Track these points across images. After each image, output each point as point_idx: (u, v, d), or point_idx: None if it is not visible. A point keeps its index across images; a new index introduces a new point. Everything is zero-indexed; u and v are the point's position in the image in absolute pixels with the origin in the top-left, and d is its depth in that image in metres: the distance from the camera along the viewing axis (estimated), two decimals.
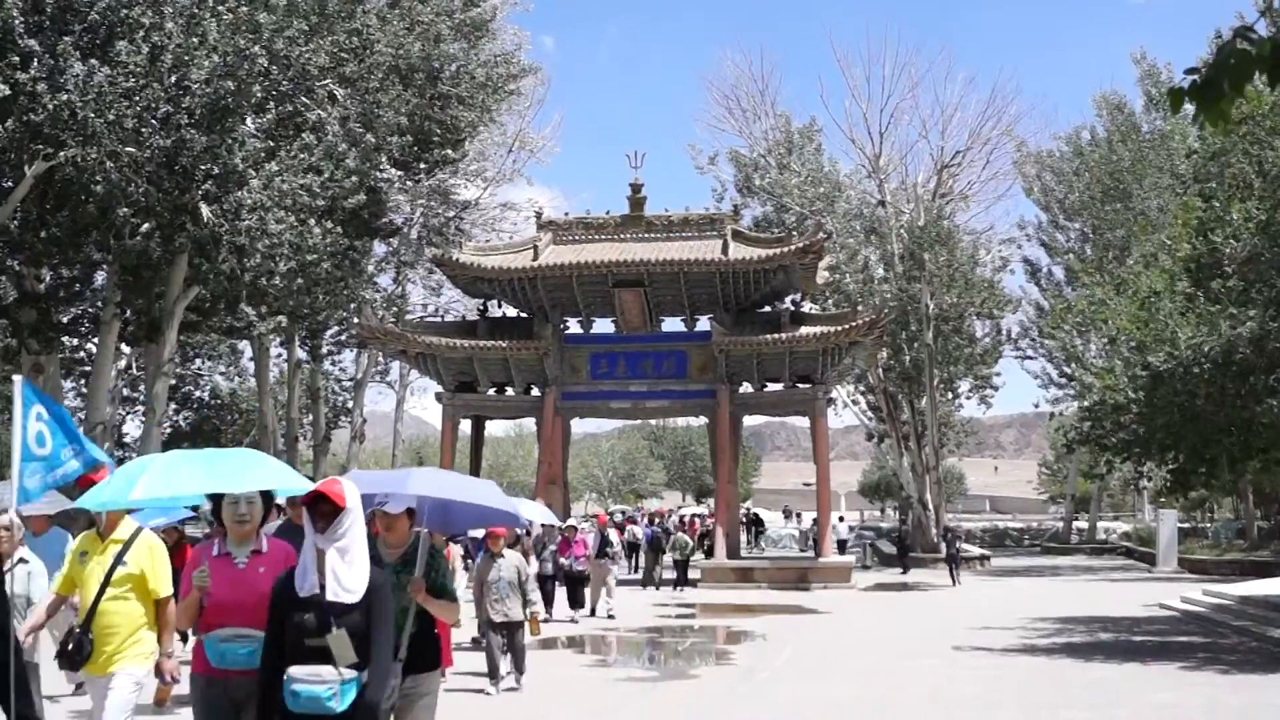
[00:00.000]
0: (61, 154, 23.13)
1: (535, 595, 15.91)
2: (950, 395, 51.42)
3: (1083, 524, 65.62)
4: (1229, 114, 4.26)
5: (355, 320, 39.08)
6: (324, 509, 5.84)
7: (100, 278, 31.76)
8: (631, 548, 39.21)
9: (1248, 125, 21.61)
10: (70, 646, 7.69)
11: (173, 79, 24.20)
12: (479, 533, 18.85)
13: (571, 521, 31.06)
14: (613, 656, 20.82)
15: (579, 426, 43.93)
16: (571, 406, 37.91)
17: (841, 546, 44.15)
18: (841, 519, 48.52)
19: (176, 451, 8.98)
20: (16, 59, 22.52)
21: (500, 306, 38.47)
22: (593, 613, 26.21)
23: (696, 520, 53.79)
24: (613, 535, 28.50)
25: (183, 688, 7.90)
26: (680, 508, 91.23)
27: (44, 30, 23.28)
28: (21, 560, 9.07)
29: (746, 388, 37.22)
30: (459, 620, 9.48)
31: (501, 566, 15.13)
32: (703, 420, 41.84)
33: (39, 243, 27.19)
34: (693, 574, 35.09)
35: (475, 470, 41.61)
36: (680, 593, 32.68)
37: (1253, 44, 4.04)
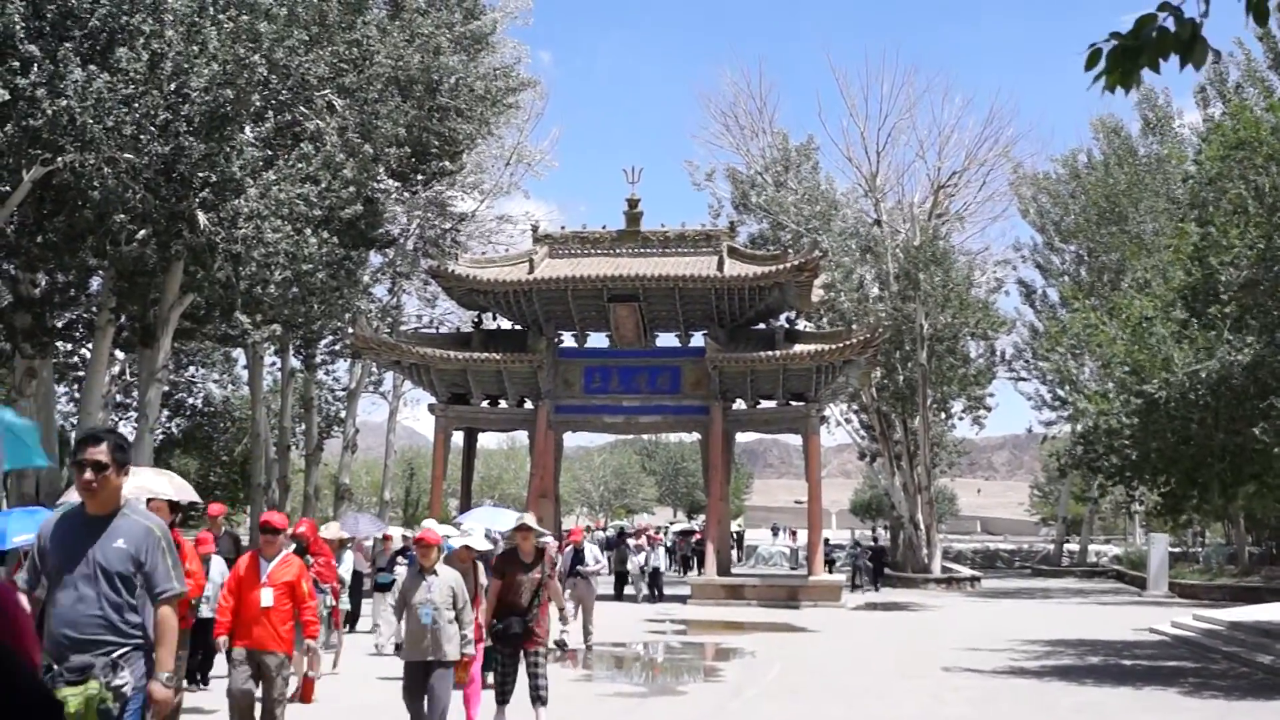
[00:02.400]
0: (59, 159, 23.15)
1: (470, 630, 11.65)
2: (943, 415, 51.36)
3: (1074, 546, 65.62)
4: (1130, 84, 4.32)
5: (350, 330, 39.07)
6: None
7: (96, 283, 31.75)
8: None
9: (1244, 151, 21.66)
10: None
11: (172, 86, 24.23)
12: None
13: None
14: (600, 672, 20.76)
15: (571, 440, 43.86)
16: (564, 420, 37.88)
17: (829, 565, 44.24)
18: (826, 541, 48.52)
19: None
20: (16, 64, 22.54)
21: (495, 319, 38.45)
22: (586, 640, 22.95)
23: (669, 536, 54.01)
24: (591, 551, 24.55)
25: None
26: (672, 523, 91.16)
27: (44, 36, 23.30)
28: None
29: (740, 404, 37.20)
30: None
31: (432, 586, 11.45)
32: (695, 436, 41.79)
33: (35, 247, 27.18)
34: (683, 590, 34.91)
35: (466, 483, 41.64)
36: (654, 607, 32.62)
37: (1175, 22, 4.10)
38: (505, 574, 12.71)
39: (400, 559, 21.52)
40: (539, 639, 12.84)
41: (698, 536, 49.90)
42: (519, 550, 12.91)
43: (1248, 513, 42.82)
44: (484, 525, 20.98)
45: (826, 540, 55.81)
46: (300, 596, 11.29)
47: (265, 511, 17.00)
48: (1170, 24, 4.10)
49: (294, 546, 15.78)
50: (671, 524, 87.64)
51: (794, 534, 52.14)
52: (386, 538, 24.81)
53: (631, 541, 39.71)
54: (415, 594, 11.43)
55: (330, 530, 19.47)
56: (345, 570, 20.67)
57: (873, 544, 50.11)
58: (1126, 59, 4.19)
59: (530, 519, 13.27)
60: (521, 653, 12.76)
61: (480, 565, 13.56)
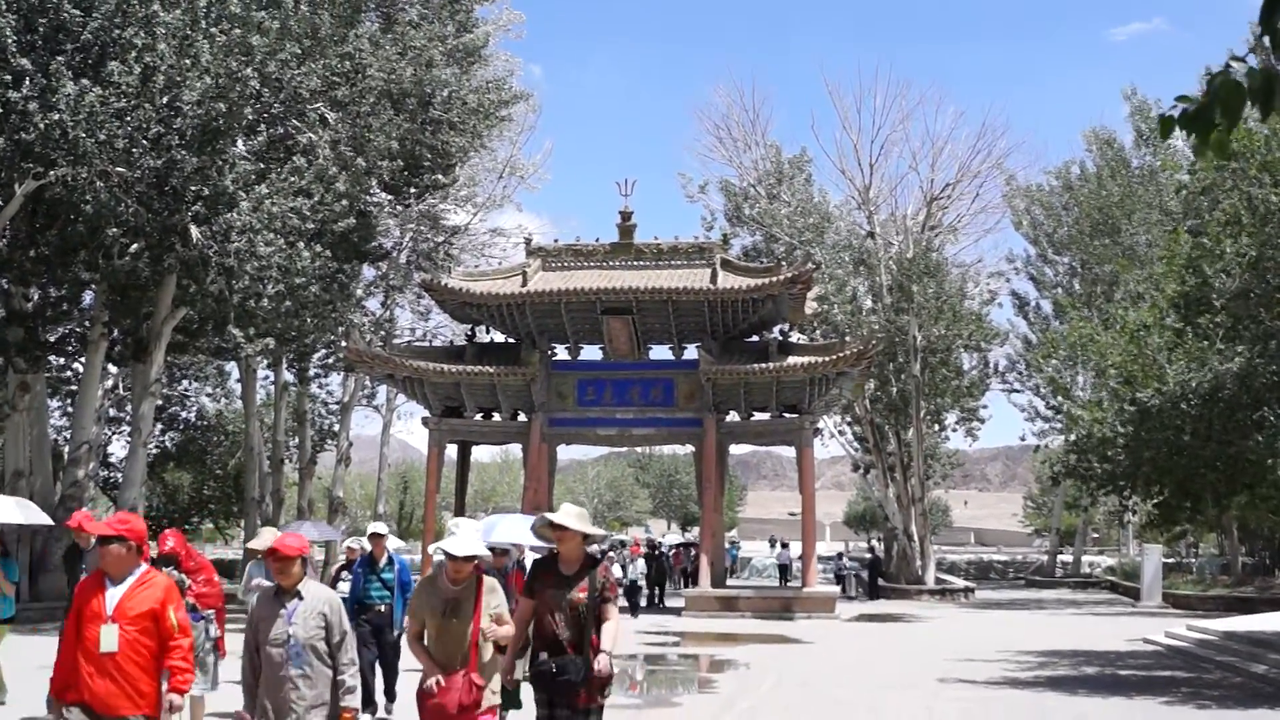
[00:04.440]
0: (52, 173, 23.16)
1: (353, 675, 8.05)
2: (937, 427, 51.41)
3: (1067, 557, 65.65)
4: (1228, 145, 4.27)
5: (343, 343, 39.08)
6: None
7: (88, 297, 31.75)
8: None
9: (1238, 161, 21.70)
10: None
11: (164, 100, 24.25)
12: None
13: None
14: None
15: (565, 453, 43.84)
16: (558, 433, 37.86)
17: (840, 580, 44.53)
18: (840, 555, 48.64)
19: None
20: (8, 78, 22.56)
21: (488, 332, 38.44)
22: None
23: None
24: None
25: None
26: (664, 535, 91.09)
27: (36, 49, 23.32)
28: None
29: (733, 417, 37.21)
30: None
31: (294, 614, 7.93)
32: (689, 448, 41.79)
33: (27, 261, 27.19)
34: (677, 602, 34.93)
35: (460, 496, 41.56)
36: (636, 619, 32.58)
37: (1245, 75, 4.06)
38: (537, 592, 8.58)
39: (345, 574, 17.66)
40: (596, 691, 8.43)
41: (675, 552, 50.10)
42: (559, 559, 8.66)
43: (1241, 523, 42.83)
44: (518, 538, 18.08)
45: (840, 554, 56.10)
46: (167, 631, 7.63)
47: (81, 512, 12.69)
48: (1242, 76, 4.07)
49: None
50: (665, 536, 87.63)
51: (784, 545, 52.04)
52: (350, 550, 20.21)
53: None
54: (270, 628, 7.91)
55: (262, 539, 15.92)
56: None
57: (869, 555, 50.21)
58: (1200, 120, 4.16)
59: (570, 514, 8.71)
60: (569, 712, 8.37)
61: (489, 582, 8.45)
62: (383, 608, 14.90)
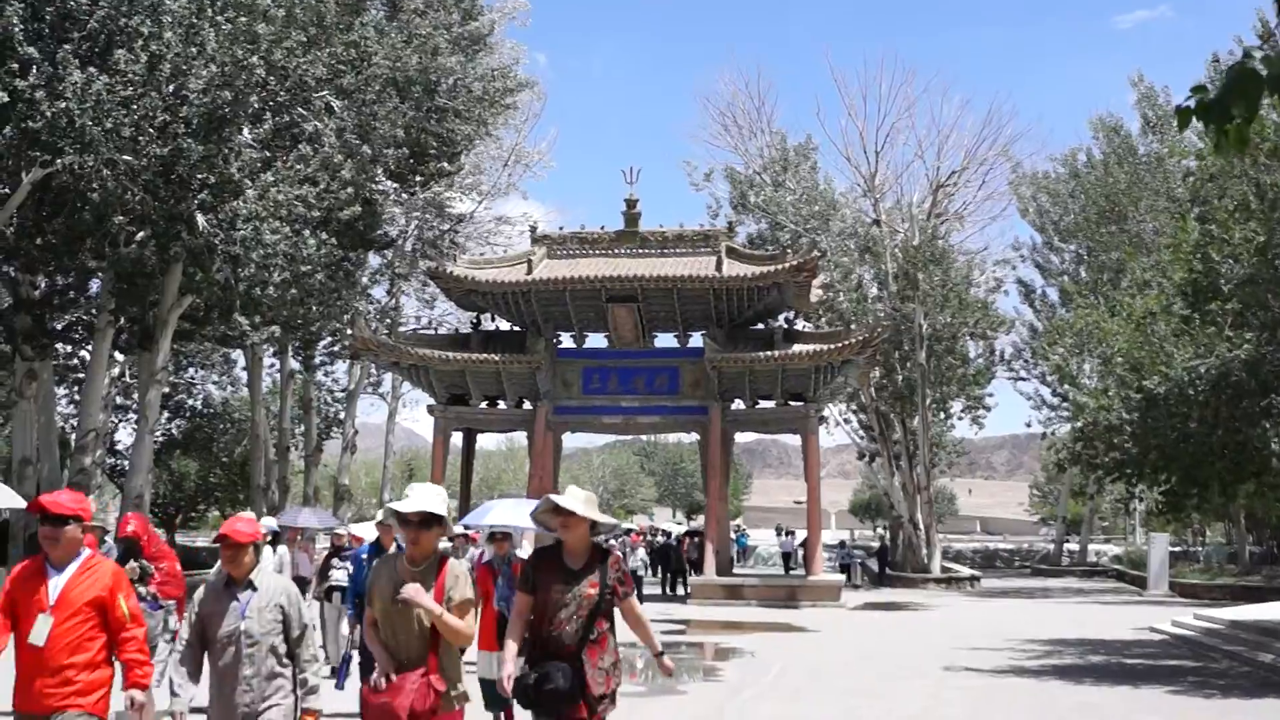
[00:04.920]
0: (59, 161, 23.15)
1: (316, 673, 7.22)
2: (942, 415, 51.36)
3: (1073, 546, 65.62)
4: (1247, 136, 4.25)
5: (348, 331, 39.07)
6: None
7: (95, 285, 31.77)
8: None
9: (1246, 147, 21.65)
10: None
11: (170, 88, 24.23)
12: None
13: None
14: None
15: (570, 441, 43.81)
16: (563, 421, 37.84)
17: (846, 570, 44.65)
18: (843, 543, 48.62)
19: None
20: (15, 66, 22.54)
21: (493, 320, 38.41)
22: None
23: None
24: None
25: None
26: (679, 523, 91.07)
27: (43, 38, 23.31)
28: None
29: (738, 405, 37.18)
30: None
31: (246, 607, 7.09)
32: (694, 437, 41.77)
33: (34, 249, 27.19)
34: (683, 590, 35.07)
35: (465, 484, 41.59)
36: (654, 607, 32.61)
37: (1263, 63, 4.03)
38: (537, 587, 7.38)
39: (337, 561, 17.12)
40: (596, 703, 7.27)
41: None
42: (562, 549, 7.55)
43: (1248, 512, 42.83)
44: (512, 522, 16.98)
45: (843, 542, 56.13)
46: (118, 621, 6.79)
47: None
48: (1260, 66, 4.04)
49: (110, 549, 13.30)
50: (680, 525, 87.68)
51: (788, 533, 52.08)
52: (355, 539, 17.79)
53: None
54: (220, 623, 7.05)
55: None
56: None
57: (879, 543, 50.29)
58: (1216, 110, 4.13)
59: (577, 498, 7.57)
60: None
61: (455, 567, 6.86)
62: None
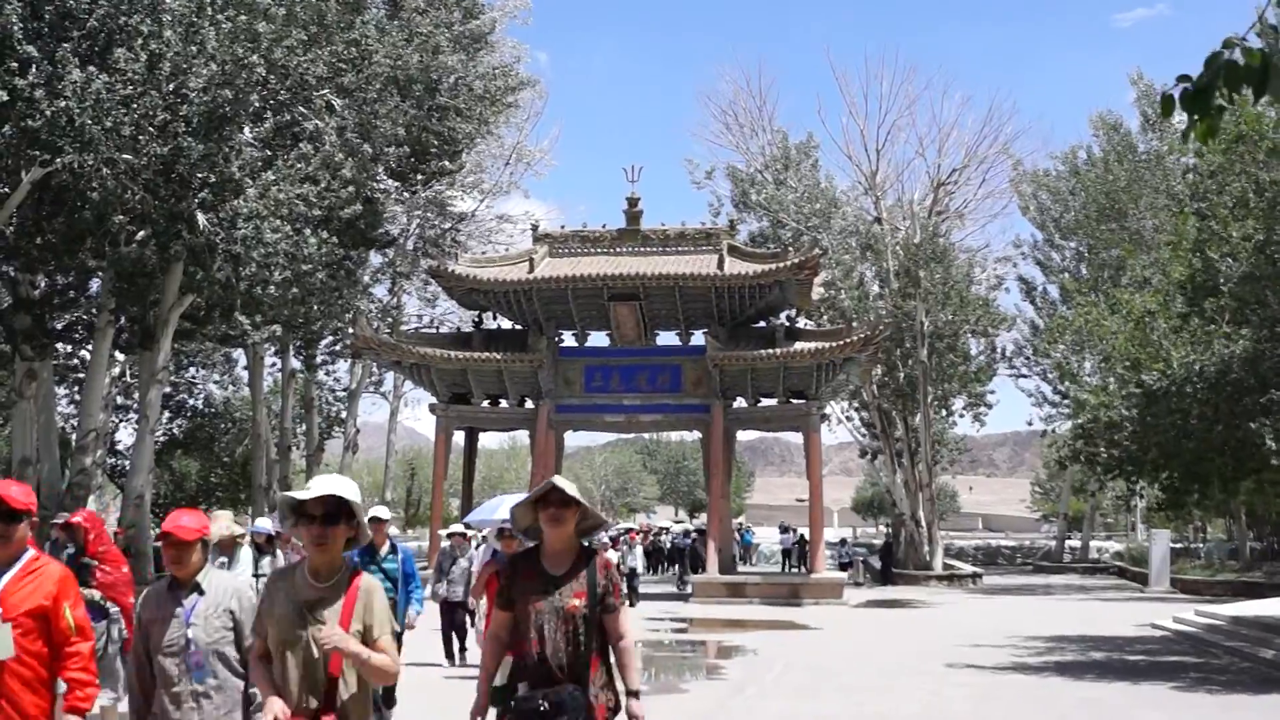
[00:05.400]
0: (58, 160, 23.12)
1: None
2: (944, 412, 51.36)
3: (1075, 543, 65.61)
4: (1217, 128, 4.28)
5: (350, 330, 39.10)
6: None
7: (95, 285, 31.77)
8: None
9: (1245, 145, 21.66)
10: None
11: (170, 87, 24.22)
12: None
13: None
14: None
15: (572, 439, 43.85)
16: (565, 419, 37.85)
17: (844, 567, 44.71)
18: (843, 541, 48.70)
19: None
20: (15, 65, 22.52)
21: (495, 318, 38.43)
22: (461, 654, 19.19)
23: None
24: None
25: None
26: (691, 522, 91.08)
27: (43, 36, 23.29)
28: None
29: (740, 403, 37.20)
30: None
31: (193, 613, 6.11)
32: (696, 435, 41.79)
33: (34, 249, 27.17)
34: (685, 588, 35.15)
35: (468, 483, 41.64)
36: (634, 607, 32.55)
37: (1243, 54, 4.06)
38: (515, 598, 6.19)
39: None
40: None
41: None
42: (541, 550, 6.32)
43: (1249, 508, 42.81)
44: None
45: (844, 540, 56.14)
46: (62, 634, 5.88)
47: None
48: (1239, 56, 4.06)
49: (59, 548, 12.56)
50: (677, 522, 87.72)
51: (786, 530, 52.15)
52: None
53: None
54: (164, 632, 6.04)
55: (220, 524, 13.33)
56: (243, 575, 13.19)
57: (885, 540, 50.34)
58: (1199, 100, 4.16)
59: (567, 486, 6.16)
60: None
61: (368, 584, 5.17)
62: None
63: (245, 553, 13.43)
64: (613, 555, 34.14)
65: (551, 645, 5.94)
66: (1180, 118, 4.31)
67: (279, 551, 14.98)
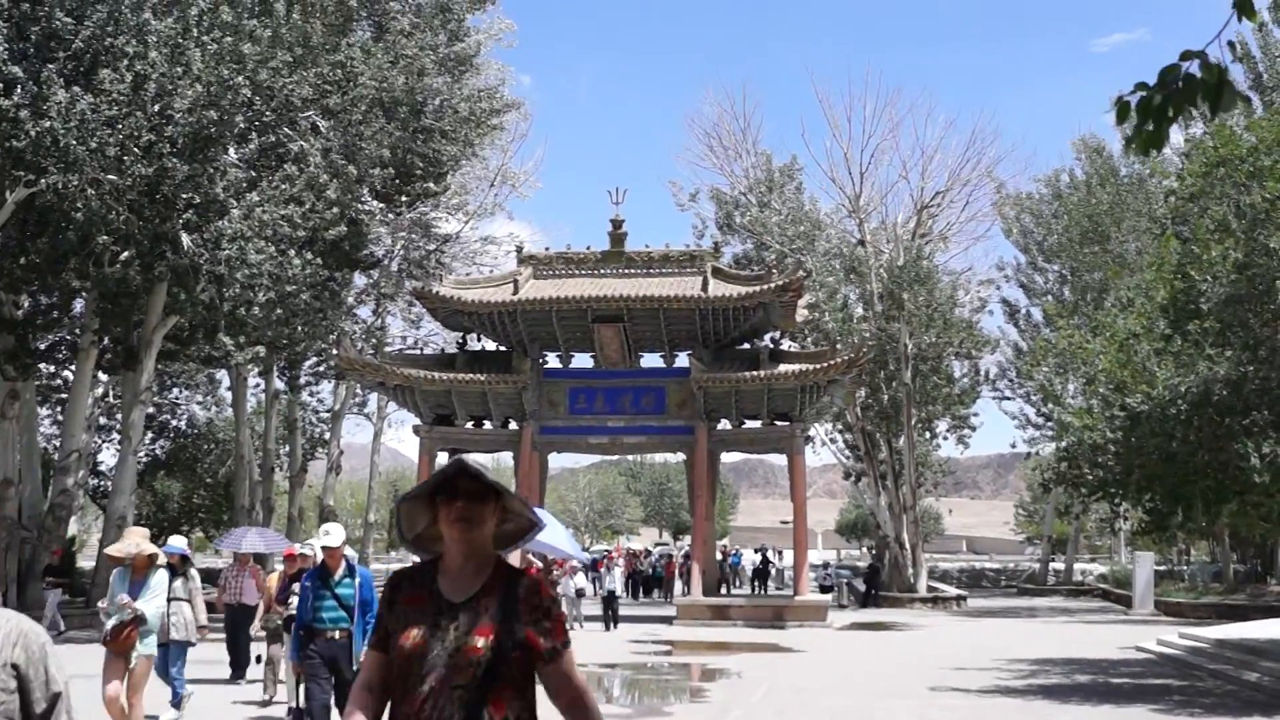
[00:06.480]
0: (43, 181, 23.11)
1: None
2: (928, 435, 51.43)
3: (1059, 565, 65.64)
4: (1160, 141, 4.30)
5: (334, 351, 39.05)
6: None
7: (79, 305, 31.73)
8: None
9: (1226, 168, 21.75)
10: None
11: (156, 108, 24.22)
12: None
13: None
14: None
15: (556, 461, 43.79)
16: (549, 441, 37.81)
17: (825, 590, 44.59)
18: (826, 564, 48.71)
19: None
20: (0, 85, 22.50)
21: (479, 340, 38.41)
22: None
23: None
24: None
25: None
26: (657, 545, 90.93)
27: (28, 57, 23.29)
28: None
29: (724, 424, 37.19)
30: None
31: None
32: (680, 456, 41.77)
33: (18, 269, 27.14)
34: (668, 611, 34.99)
35: None
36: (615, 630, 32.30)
37: (1202, 68, 4.09)
38: (392, 631, 3.94)
39: (295, 586, 13.79)
40: None
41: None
42: (439, 568, 4.05)
43: (1233, 530, 42.89)
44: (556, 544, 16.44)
45: (827, 563, 56.13)
46: None
47: None
48: (1196, 70, 4.09)
49: None
50: (659, 544, 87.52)
51: (779, 553, 52.16)
52: (291, 556, 15.93)
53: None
54: None
55: (125, 544, 12.21)
56: (155, 599, 12.24)
57: (871, 563, 50.40)
58: (1156, 111, 4.18)
59: (476, 471, 4.03)
60: None
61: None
62: (338, 634, 11.35)
63: (160, 575, 12.35)
64: (578, 581, 33.81)
65: (437, 706, 3.74)
66: (1175, 146, 4.34)
67: (192, 572, 14.28)
